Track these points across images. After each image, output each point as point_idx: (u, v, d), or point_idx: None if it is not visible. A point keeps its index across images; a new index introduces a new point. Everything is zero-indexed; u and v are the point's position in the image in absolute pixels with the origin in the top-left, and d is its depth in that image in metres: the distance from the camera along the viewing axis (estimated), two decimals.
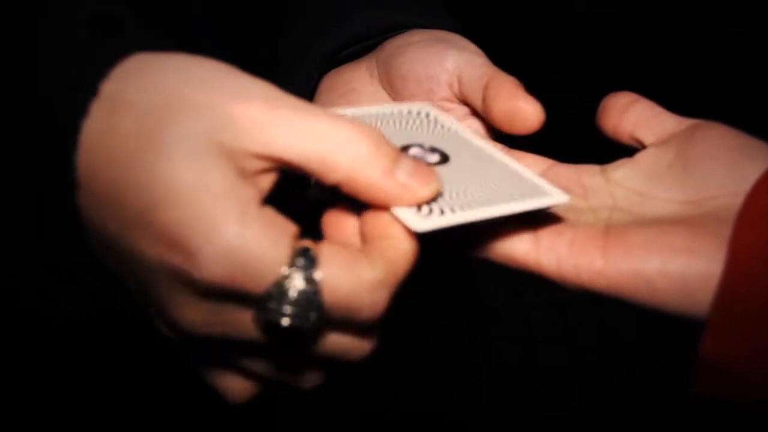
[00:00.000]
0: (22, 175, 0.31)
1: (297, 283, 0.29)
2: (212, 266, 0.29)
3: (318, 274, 0.30)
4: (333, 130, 0.31)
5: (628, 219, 0.38)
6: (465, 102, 0.48)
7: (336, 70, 0.53)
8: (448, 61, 0.47)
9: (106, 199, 0.30)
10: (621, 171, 0.41)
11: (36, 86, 0.31)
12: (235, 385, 0.35)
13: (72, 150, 0.30)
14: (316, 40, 0.54)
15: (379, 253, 0.31)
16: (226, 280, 0.29)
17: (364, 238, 0.33)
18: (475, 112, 0.47)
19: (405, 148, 0.38)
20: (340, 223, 0.34)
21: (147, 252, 0.30)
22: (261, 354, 0.34)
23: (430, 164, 0.36)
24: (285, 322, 0.30)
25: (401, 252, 0.31)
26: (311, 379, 0.35)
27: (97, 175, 0.30)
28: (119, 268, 0.32)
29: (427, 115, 0.42)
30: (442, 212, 0.32)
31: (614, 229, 0.37)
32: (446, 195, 0.34)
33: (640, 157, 0.41)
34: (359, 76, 0.52)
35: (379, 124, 0.39)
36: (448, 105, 0.48)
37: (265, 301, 0.30)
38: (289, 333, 0.30)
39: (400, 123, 0.40)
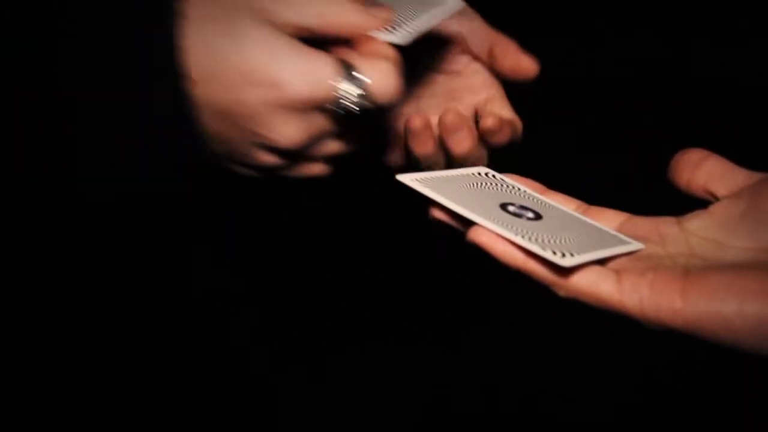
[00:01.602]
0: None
1: (350, 86, 0.46)
2: (296, 87, 0.45)
3: (361, 77, 0.47)
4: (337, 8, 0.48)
5: (704, 264, 0.41)
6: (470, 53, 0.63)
7: None
8: (452, 25, 0.62)
9: (211, 74, 0.45)
10: (696, 221, 0.44)
11: None
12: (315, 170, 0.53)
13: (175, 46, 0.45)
14: None
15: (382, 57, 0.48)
16: (307, 94, 0.45)
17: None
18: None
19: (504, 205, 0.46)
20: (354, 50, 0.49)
21: (252, 99, 0.45)
22: (337, 138, 0.51)
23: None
24: (354, 110, 0.47)
25: (391, 53, 0.49)
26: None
27: (198, 58, 0.45)
28: (222, 141, 0.48)
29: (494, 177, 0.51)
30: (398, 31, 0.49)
31: (692, 273, 0.40)
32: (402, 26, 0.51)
33: (713, 208, 0.44)
34: None
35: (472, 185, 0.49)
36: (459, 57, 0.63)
37: (336, 100, 0.46)
38: (356, 116, 0.47)
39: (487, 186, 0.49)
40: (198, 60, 0.45)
